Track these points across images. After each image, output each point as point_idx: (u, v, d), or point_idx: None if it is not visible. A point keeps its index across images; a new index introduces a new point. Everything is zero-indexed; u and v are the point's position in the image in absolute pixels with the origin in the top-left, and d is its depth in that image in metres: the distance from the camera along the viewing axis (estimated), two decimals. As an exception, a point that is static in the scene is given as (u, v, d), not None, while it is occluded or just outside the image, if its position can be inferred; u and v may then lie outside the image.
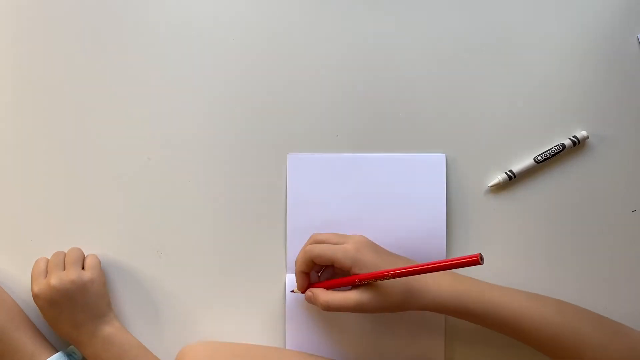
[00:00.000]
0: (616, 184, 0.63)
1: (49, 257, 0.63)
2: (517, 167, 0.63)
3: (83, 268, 0.62)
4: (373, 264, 0.56)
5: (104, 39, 0.66)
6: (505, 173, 0.63)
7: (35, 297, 0.60)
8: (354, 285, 0.57)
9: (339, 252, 0.56)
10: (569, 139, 0.63)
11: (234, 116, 0.65)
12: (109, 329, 0.61)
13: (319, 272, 0.61)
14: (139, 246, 0.65)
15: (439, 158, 0.63)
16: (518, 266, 0.63)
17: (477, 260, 0.48)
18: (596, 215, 0.63)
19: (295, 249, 0.63)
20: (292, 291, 0.62)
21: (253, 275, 0.65)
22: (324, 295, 0.57)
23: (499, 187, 0.64)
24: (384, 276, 0.54)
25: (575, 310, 0.57)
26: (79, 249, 0.63)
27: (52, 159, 0.66)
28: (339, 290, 0.58)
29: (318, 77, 0.65)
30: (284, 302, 0.64)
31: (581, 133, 0.63)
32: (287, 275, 0.64)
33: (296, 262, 0.60)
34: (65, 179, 0.65)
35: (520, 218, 0.64)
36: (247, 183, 0.65)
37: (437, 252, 0.63)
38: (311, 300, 0.59)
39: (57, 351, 0.62)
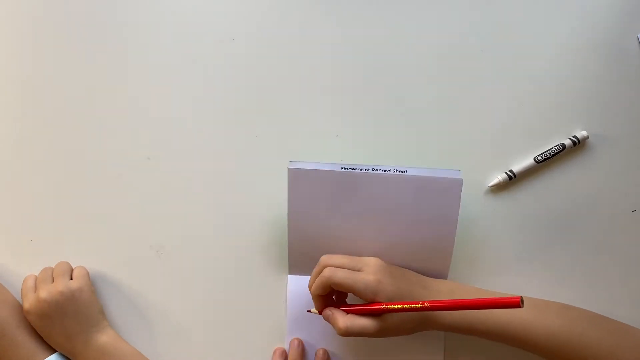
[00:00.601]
0: (616, 184, 0.63)
1: (40, 265, 0.64)
2: (517, 167, 0.63)
3: (71, 279, 0.63)
4: (393, 294, 0.55)
5: (104, 40, 0.66)
6: (505, 173, 0.63)
7: (27, 313, 0.61)
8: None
9: (360, 284, 0.55)
10: (569, 139, 0.63)
11: (234, 116, 0.65)
12: (103, 338, 0.61)
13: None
14: (138, 246, 0.65)
15: (456, 180, 0.58)
16: (518, 266, 0.63)
17: (517, 304, 0.47)
18: (596, 215, 0.63)
19: (296, 251, 0.62)
20: (309, 311, 0.60)
21: (254, 276, 0.65)
22: (343, 320, 0.56)
23: (499, 187, 0.64)
24: (415, 309, 0.53)
25: (580, 317, 0.56)
26: (67, 262, 0.64)
27: (52, 158, 0.65)
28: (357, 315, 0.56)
29: (316, 78, 0.65)
30: (285, 302, 0.64)
31: (581, 133, 0.63)
32: (289, 276, 0.64)
33: (312, 285, 0.58)
34: (65, 178, 0.65)
35: (520, 218, 0.64)
36: (248, 183, 0.65)
37: (442, 265, 0.61)
38: (329, 321, 0.57)
39: (56, 351, 0.62)
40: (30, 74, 0.66)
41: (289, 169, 0.59)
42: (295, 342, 0.62)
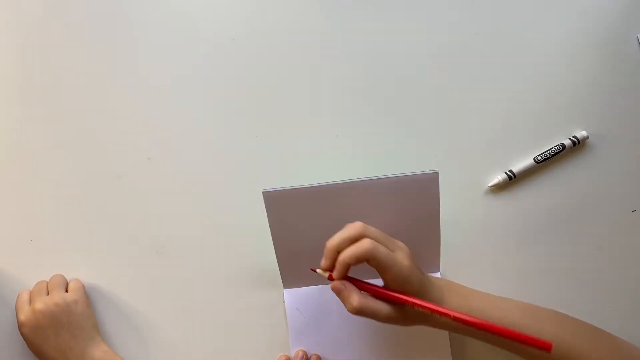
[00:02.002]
0: (616, 184, 0.63)
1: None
2: (517, 167, 0.63)
3: (66, 292, 0.62)
4: (418, 290, 0.52)
5: (105, 41, 0.66)
6: (505, 173, 0.63)
7: (22, 325, 0.60)
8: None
9: (396, 268, 0.51)
10: (569, 139, 0.63)
11: (234, 117, 0.65)
12: (97, 353, 0.60)
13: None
14: (138, 246, 0.65)
15: (432, 175, 0.55)
16: (518, 266, 0.63)
17: (548, 348, 0.47)
18: (596, 215, 0.63)
19: (287, 266, 0.60)
20: (314, 270, 0.54)
21: (256, 278, 0.64)
22: (358, 298, 0.51)
23: (499, 187, 0.64)
24: (445, 314, 0.50)
25: (572, 326, 0.56)
26: (61, 275, 0.64)
27: (52, 159, 0.65)
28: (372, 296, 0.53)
29: (317, 78, 0.65)
30: (285, 307, 0.64)
31: (581, 133, 0.63)
32: (284, 290, 0.63)
33: (337, 245, 0.52)
34: (65, 178, 0.65)
35: (520, 218, 0.64)
36: (248, 183, 0.65)
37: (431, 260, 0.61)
38: (339, 294, 0.52)
39: None
40: (31, 74, 0.66)
41: (263, 192, 0.55)
42: (300, 353, 0.62)
